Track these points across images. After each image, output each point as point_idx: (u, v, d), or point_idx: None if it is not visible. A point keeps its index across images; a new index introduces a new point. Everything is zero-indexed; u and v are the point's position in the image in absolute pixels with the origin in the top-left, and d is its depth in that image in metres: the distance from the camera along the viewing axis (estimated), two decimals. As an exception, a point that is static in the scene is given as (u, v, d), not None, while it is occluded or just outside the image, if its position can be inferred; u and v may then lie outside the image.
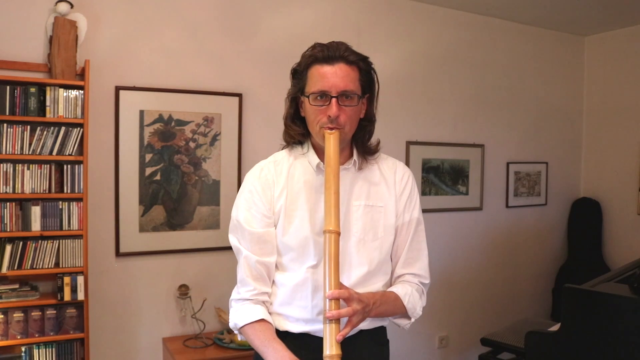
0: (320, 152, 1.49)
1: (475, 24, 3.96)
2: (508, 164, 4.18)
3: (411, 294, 1.51)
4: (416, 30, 3.73)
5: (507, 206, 4.19)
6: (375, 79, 1.50)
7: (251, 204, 1.48)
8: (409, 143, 3.72)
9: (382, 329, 1.58)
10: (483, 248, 4.08)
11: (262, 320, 1.43)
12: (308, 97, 1.42)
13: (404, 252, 1.56)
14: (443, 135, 3.86)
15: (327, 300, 1.28)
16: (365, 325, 1.47)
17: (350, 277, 1.46)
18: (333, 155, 1.38)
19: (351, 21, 3.49)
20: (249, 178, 1.52)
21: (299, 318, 1.46)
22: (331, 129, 1.40)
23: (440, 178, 3.85)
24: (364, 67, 1.45)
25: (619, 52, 4.29)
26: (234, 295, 1.50)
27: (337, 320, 1.27)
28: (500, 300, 4.18)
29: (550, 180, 4.42)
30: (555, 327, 2.64)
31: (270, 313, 1.49)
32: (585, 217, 4.41)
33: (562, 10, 3.85)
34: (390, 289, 1.52)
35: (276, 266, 1.50)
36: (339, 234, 1.33)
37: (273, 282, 1.51)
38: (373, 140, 1.56)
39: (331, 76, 1.39)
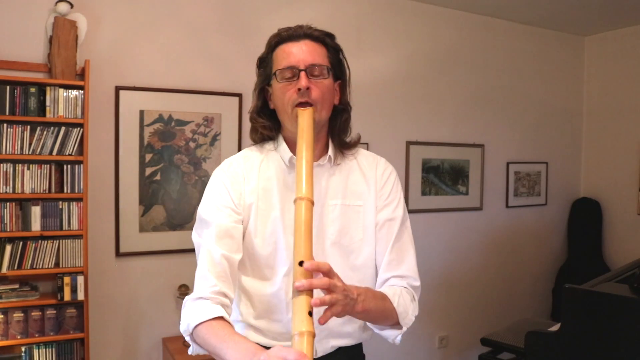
0: (292, 145, 1.35)
1: (475, 24, 3.96)
2: (508, 164, 4.18)
3: (400, 295, 1.33)
4: (416, 30, 3.73)
5: (507, 206, 4.19)
6: (345, 63, 1.41)
7: (218, 197, 1.35)
8: (409, 143, 3.72)
9: (359, 345, 1.46)
10: (483, 248, 4.08)
11: (221, 318, 1.19)
12: (275, 75, 1.32)
13: (387, 253, 1.38)
14: (443, 135, 3.86)
15: (297, 268, 1.08)
16: (345, 342, 1.38)
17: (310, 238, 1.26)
18: (307, 128, 1.26)
19: (351, 21, 3.49)
20: (216, 173, 1.41)
21: (273, 331, 1.36)
22: (304, 104, 1.29)
23: (440, 178, 3.85)
24: (330, 44, 1.36)
25: (619, 52, 4.29)
26: (189, 296, 1.27)
27: (309, 291, 1.05)
28: (500, 300, 4.18)
29: (550, 180, 4.42)
30: (555, 327, 2.64)
31: (246, 324, 1.37)
32: (585, 217, 4.41)
33: (562, 10, 3.85)
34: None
35: (248, 272, 1.37)
36: (312, 202, 1.16)
37: (246, 289, 1.37)
38: (354, 135, 1.45)
39: (298, 52, 1.31)
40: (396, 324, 1.33)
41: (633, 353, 2.26)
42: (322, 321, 1.08)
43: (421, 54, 3.76)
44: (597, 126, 4.48)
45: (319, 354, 1.34)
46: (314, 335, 1.00)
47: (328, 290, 1.07)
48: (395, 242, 1.40)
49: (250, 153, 1.43)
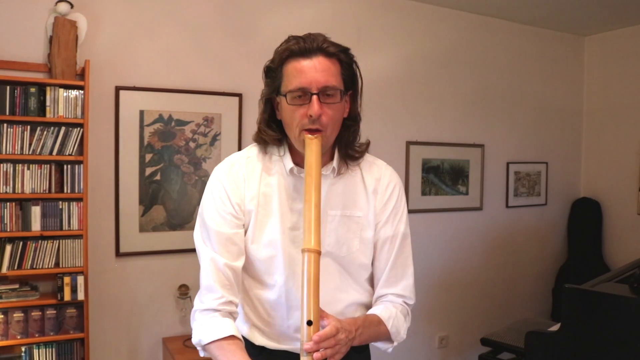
0: (297, 155, 1.35)
1: (475, 24, 3.96)
2: (508, 164, 4.18)
3: (395, 317, 1.37)
4: (416, 30, 3.73)
5: (507, 206, 4.19)
6: (358, 73, 1.36)
7: (219, 202, 1.34)
8: (409, 143, 3.72)
9: None
10: (483, 248, 4.08)
11: (231, 337, 1.25)
12: (285, 96, 1.27)
13: (386, 270, 1.40)
14: (443, 135, 3.86)
15: (306, 327, 1.14)
16: None
17: (320, 291, 1.29)
18: (315, 163, 1.23)
19: (351, 21, 3.49)
20: (217, 173, 1.38)
21: (275, 334, 1.38)
22: (312, 132, 1.25)
23: (440, 178, 3.85)
24: (345, 60, 1.30)
25: (619, 52, 4.29)
26: (197, 304, 1.31)
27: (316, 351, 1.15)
28: (500, 300, 4.18)
29: (550, 180, 4.42)
30: (555, 327, 2.64)
31: (251, 325, 1.41)
32: (585, 217, 4.41)
33: (562, 10, 3.85)
34: (371, 311, 1.39)
35: (248, 276, 1.39)
36: (319, 253, 1.18)
37: (248, 291, 1.40)
38: (364, 140, 1.43)
39: (310, 71, 1.24)
40: (389, 339, 1.40)
41: (633, 353, 2.26)
42: None
43: (421, 54, 3.75)
44: (597, 126, 4.48)
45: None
46: None
47: (334, 347, 1.17)
48: (395, 259, 1.41)
49: (254, 154, 1.40)
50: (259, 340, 1.39)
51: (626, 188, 4.21)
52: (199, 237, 1.36)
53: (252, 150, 1.41)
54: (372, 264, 1.42)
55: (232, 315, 1.31)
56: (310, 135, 1.25)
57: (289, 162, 1.35)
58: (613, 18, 4.03)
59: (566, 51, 4.44)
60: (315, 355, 1.12)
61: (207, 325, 1.27)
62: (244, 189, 1.35)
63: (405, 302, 1.43)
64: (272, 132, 1.35)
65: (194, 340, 1.29)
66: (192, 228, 3.14)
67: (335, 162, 1.37)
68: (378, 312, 1.37)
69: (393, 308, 1.39)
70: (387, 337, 1.38)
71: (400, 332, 1.39)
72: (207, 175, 3.07)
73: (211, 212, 1.34)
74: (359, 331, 1.27)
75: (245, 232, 1.35)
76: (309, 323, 1.14)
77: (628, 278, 2.70)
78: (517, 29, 4.16)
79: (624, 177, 4.23)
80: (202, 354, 1.31)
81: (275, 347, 1.38)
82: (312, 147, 1.24)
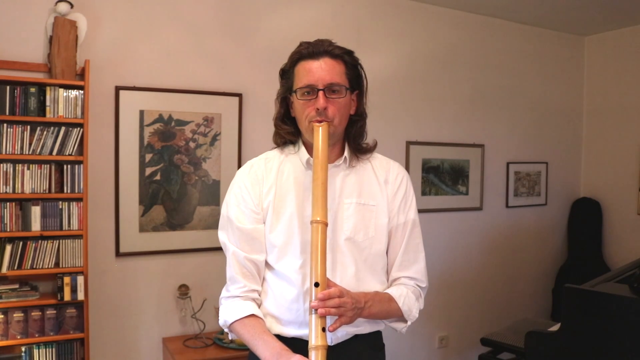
0: (310, 149, 1.47)
1: (475, 24, 3.96)
2: (508, 164, 4.18)
3: (406, 296, 1.48)
4: (416, 30, 3.73)
5: (507, 206, 4.19)
6: (363, 74, 1.50)
7: (240, 200, 1.46)
8: (409, 143, 3.72)
9: (378, 334, 1.55)
10: (483, 248, 4.08)
11: (252, 315, 1.40)
12: (296, 92, 1.42)
13: (399, 254, 1.51)
14: (443, 135, 3.86)
15: (314, 289, 1.26)
16: (361, 329, 1.45)
17: (339, 277, 1.42)
18: (321, 147, 1.37)
19: (351, 21, 3.49)
20: (239, 174, 1.52)
21: (291, 321, 1.43)
22: (320, 121, 1.39)
23: (440, 178, 3.85)
24: (349, 61, 1.45)
25: (619, 52, 4.29)
26: (224, 293, 1.48)
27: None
28: (500, 300, 4.18)
29: (550, 180, 4.42)
30: (555, 327, 2.64)
31: (266, 314, 1.46)
32: (585, 217, 4.41)
33: (562, 10, 3.85)
34: (385, 291, 1.49)
35: (267, 264, 1.48)
36: (326, 224, 1.31)
37: (265, 279, 1.48)
38: (370, 141, 1.55)
39: (317, 70, 1.40)
40: (402, 318, 1.49)
41: (633, 353, 2.26)
42: (332, 329, 1.27)
43: (421, 54, 3.76)
44: (597, 126, 4.48)
45: (335, 342, 1.42)
46: (327, 349, 1.23)
47: (338, 308, 1.26)
48: (407, 245, 1.52)
49: (272, 155, 1.53)
50: (275, 328, 1.45)
51: (626, 188, 4.21)
52: (222, 233, 1.49)
53: (270, 152, 1.55)
54: (387, 251, 1.52)
55: (255, 301, 1.45)
56: (317, 123, 1.39)
57: (304, 155, 1.48)
58: (613, 18, 4.03)
59: (566, 51, 4.44)
60: (320, 311, 1.23)
61: (230, 308, 1.42)
62: (262, 185, 1.47)
63: (417, 285, 1.54)
64: (287, 127, 1.50)
65: (221, 322, 1.45)
66: (192, 228, 3.16)
67: (346, 153, 1.50)
68: (390, 292, 1.47)
69: (405, 288, 1.49)
70: (399, 314, 1.47)
71: (412, 310, 1.49)
72: (207, 175, 3.08)
73: (233, 209, 1.46)
74: (369, 303, 1.37)
75: (264, 222, 1.46)
76: (316, 285, 1.26)
77: (628, 278, 2.70)
78: (517, 29, 4.16)
79: (624, 177, 4.23)
80: (230, 337, 1.46)
81: (291, 334, 1.43)
82: (320, 133, 1.38)
